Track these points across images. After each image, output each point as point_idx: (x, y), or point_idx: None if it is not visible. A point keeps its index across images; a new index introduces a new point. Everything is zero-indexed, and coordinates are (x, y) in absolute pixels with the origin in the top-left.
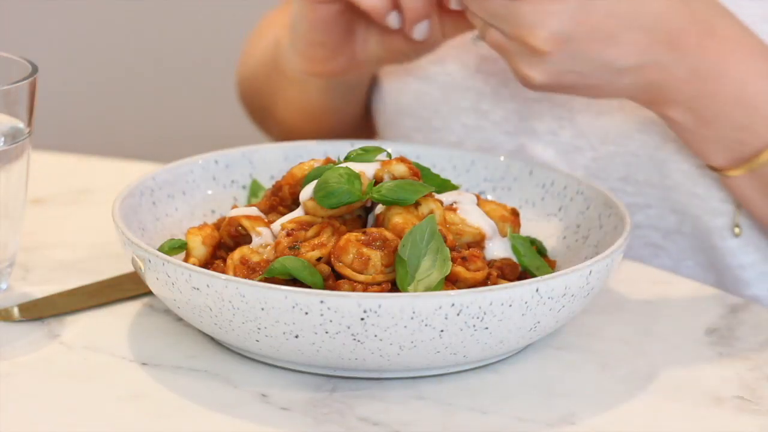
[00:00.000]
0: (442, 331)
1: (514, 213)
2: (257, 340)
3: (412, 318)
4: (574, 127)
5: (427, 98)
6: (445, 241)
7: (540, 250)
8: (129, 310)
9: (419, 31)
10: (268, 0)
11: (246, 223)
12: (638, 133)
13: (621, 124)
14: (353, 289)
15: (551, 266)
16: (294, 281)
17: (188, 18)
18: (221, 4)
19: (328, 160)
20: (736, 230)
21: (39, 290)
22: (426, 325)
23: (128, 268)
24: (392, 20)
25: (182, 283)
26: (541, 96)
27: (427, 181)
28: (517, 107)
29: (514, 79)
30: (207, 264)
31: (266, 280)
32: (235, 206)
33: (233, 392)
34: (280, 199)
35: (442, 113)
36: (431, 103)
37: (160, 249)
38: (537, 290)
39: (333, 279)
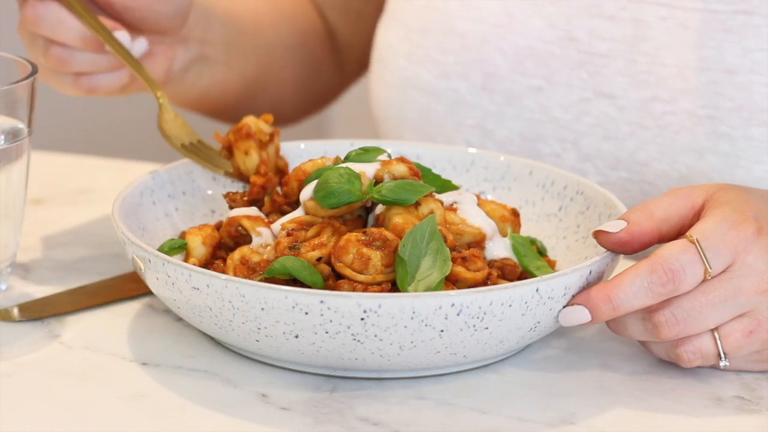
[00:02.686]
0: (442, 331)
1: (515, 213)
2: (257, 340)
3: (412, 318)
4: (578, 150)
5: (433, 114)
6: (445, 242)
7: (540, 250)
8: (129, 310)
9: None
10: None
11: (246, 223)
12: (657, 162)
13: (635, 150)
14: (353, 289)
15: (551, 266)
16: (294, 281)
17: None
18: None
19: (337, 160)
20: None
21: (39, 290)
22: (426, 325)
23: (128, 268)
24: None
25: (182, 283)
26: (546, 117)
27: (429, 182)
28: (521, 128)
29: (519, 98)
30: (207, 264)
31: (266, 280)
32: (229, 195)
33: (233, 392)
34: (285, 194)
35: (446, 130)
36: (436, 119)
37: (160, 249)
38: (537, 290)
39: (333, 279)
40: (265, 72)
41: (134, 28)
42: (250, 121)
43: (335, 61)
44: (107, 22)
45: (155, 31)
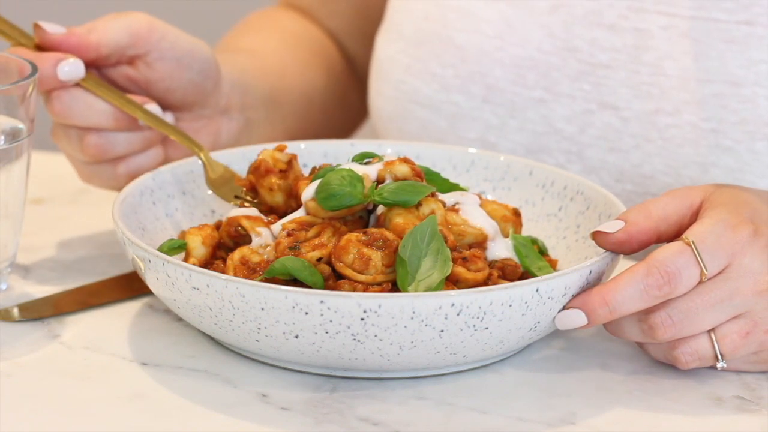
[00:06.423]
0: (442, 331)
1: (516, 213)
2: (257, 340)
3: (412, 318)
4: (582, 162)
5: (433, 128)
6: (446, 242)
7: (542, 250)
8: (129, 310)
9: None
10: (270, 2)
11: (246, 223)
12: (663, 175)
13: (640, 163)
14: (354, 290)
15: (553, 265)
16: (294, 281)
17: (188, 19)
18: (223, 5)
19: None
20: None
21: (39, 290)
22: (426, 325)
23: (128, 268)
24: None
25: (182, 283)
26: (549, 129)
27: (437, 185)
28: (524, 140)
29: (522, 110)
30: (207, 264)
31: (266, 280)
32: (242, 204)
33: (233, 392)
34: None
35: (448, 144)
36: (437, 133)
37: (160, 249)
38: (537, 290)
39: (333, 279)
40: (299, 118)
41: (169, 106)
42: (265, 156)
43: (358, 87)
44: (136, 98)
45: (190, 104)
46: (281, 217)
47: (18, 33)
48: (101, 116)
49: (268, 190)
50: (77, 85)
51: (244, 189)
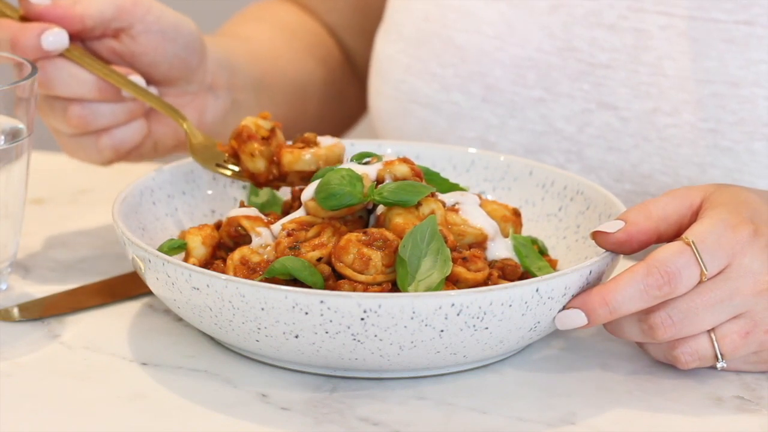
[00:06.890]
0: (442, 331)
1: (516, 213)
2: (257, 340)
3: (412, 318)
4: (582, 162)
5: (433, 128)
6: (446, 242)
7: (542, 250)
8: (129, 310)
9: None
10: None
11: (246, 223)
12: (662, 175)
13: (639, 163)
14: (354, 290)
15: (553, 265)
16: (294, 281)
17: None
18: (223, 6)
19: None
20: None
21: (39, 290)
22: (426, 325)
23: (128, 268)
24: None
25: (182, 283)
26: (549, 128)
27: (438, 186)
28: (524, 140)
29: (521, 110)
30: (207, 264)
31: (266, 280)
32: (242, 204)
33: (233, 392)
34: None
35: (448, 144)
36: (437, 132)
37: (160, 249)
38: (537, 290)
39: (333, 279)
40: (293, 108)
41: (154, 80)
42: (248, 122)
43: (356, 82)
44: (120, 69)
45: (175, 78)
46: (262, 185)
47: (3, 4)
48: (85, 86)
49: (250, 156)
50: (61, 55)
51: (227, 155)
